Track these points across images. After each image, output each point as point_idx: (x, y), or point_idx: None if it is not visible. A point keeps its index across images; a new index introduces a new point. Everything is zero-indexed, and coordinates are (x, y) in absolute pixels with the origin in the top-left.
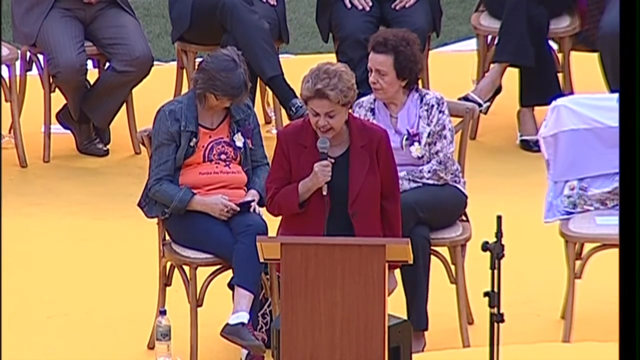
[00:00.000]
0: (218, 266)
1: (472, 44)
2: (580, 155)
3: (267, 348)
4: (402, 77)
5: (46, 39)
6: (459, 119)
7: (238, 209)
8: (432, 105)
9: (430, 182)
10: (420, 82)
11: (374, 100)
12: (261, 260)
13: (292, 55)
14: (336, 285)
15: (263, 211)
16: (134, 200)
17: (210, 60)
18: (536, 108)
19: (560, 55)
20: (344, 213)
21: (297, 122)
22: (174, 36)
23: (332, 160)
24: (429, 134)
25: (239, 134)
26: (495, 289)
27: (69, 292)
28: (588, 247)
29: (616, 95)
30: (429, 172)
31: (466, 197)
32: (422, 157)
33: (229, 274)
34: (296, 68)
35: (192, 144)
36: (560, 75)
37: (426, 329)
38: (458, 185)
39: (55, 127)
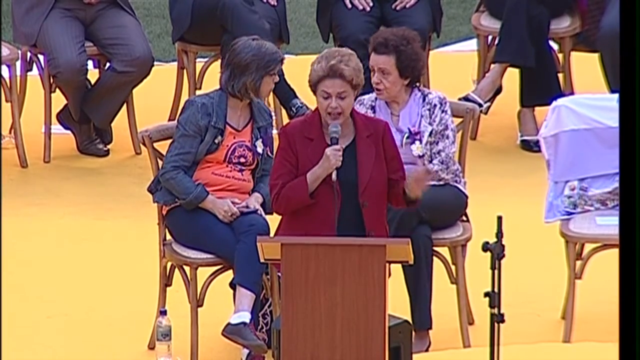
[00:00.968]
0: (218, 266)
1: (472, 44)
2: (580, 156)
3: (268, 348)
4: (404, 75)
5: (46, 39)
6: (460, 119)
7: (239, 213)
8: (435, 105)
9: (431, 182)
10: (420, 82)
11: (375, 98)
12: (262, 260)
13: (293, 56)
14: (336, 286)
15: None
16: (134, 200)
17: (246, 51)
18: (537, 108)
19: (560, 56)
20: (354, 203)
21: (299, 118)
22: (175, 36)
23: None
24: (431, 133)
25: (261, 140)
26: (496, 289)
27: (69, 292)
28: (588, 247)
29: (616, 96)
30: (437, 172)
31: (467, 197)
32: (423, 156)
33: (229, 274)
34: (296, 68)
35: (216, 141)
36: (560, 75)
37: (430, 328)
38: (459, 186)
39: (56, 128)
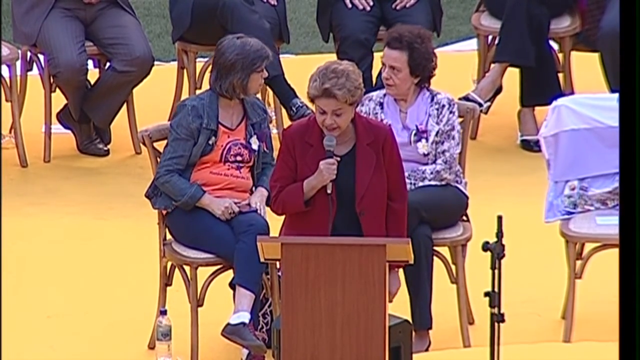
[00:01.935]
0: (219, 266)
1: (472, 44)
2: (580, 155)
3: (268, 348)
4: (415, 73)
5: (47, 39)
6: (460, 119)
7: (238, 210)
8: (444, 105)
9: (433, 182)
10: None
11: (384, 95)
12: (262, 260)
13: (293, 55)
14: (337, 285)
15: (266, 211)
16: (134, 200)
17: (231, 50)
18: (537, 108)
19: (560, 55)
20: (351, 212)
21: (302, 121)
22: (175, 36)
23: (338, 159)
24: (438, 132)
25: (255, 136)
26: (496, 289)
27: (69, 292)
28: (588, 247)
29: (616, 95)
30: (431, 173)
31: (467, 198)
32: (428, 154)
33: (229, 274)
34: (297, 68)
35: (210, 142)
36: (560, 75)
37: (430, 328)
38: (459, 186)
39: (56, 127)
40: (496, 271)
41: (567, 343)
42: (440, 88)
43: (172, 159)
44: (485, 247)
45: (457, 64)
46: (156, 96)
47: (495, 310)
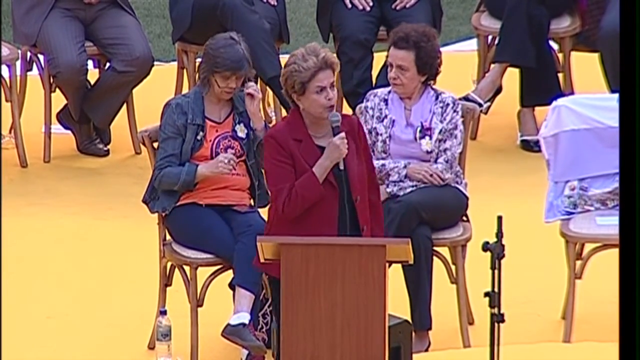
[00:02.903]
0: (218, 266)
1: (472, 44)
2: (580, 156)
3: (268, 348)
4: (422, 72)
5: (47, 39)
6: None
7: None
8: (448, 104)
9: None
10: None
11: (389, 91)
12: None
13: None
14: (336, 286)
15: (263, 212)
16: (134, 201)
17: (210, 43)
18: (537, 108)
19: (560, 56)
20: (348, 199)
21: (280, 124)
22: (175, 36)
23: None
24: (441, 130)
25: (242, 124)
26: (496, 289)
27: (69, 292)
28: (588, 247)
29: (617, 96)
30: (441, 171)
31: (467, 198)
32: (431, 152)
33: (229, 274)
34: None
35: (199, 137)
36: (560, 75)
37: (430, 329)
38: (459, 187)
39: (56, 127)
40: (496, 271)
41: (567, 343)
42: (441, 88)
43: (164, 158)
44: (485, 247)
45: (457, 64)
46: (156, 96)
47: (495, 311)
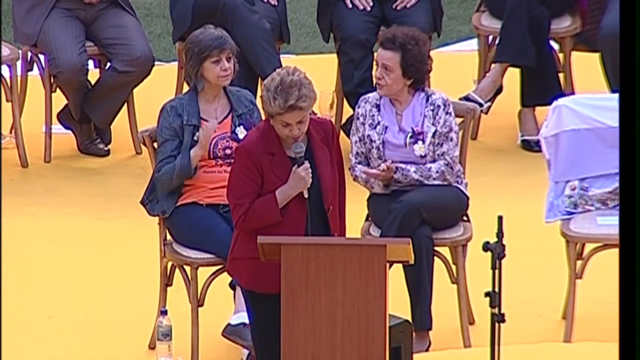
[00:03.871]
0: (219, 266)
1: (473, 44)
2: (581, 155)
3: None
4: (407, 75)
5: (47, 39)
6: (460, 119)
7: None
8: (439, 106)
9: (437, 182)
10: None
11: (380, 97)
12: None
13: (293, 55)
14: (337, 286)
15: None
16: (134, 200)
17: (186, 41)
18: (537, 108)
19: (561, 55)
20: (319, 209)
21: (254, 133)
22: (175, 36)
23: (308, 164)
24: (435, 134)
25: (241, 127)
26: (496, 289)
27: (69, 292)
28: (589, 247)
29: (617, 95)
30: (436, 172)
31: (468, 198)
32: (425, 156)
33: None
34: None
35: (195, 138)
36: (561, 75)
37: (430, 328)
38: (460, 187)
39: (56, 127)
40: (496, 271)
41: (567, 343)
42: (441, 88)
43: (162, 160)
44: (486, 247)
45: (457, 64)
46: (156, 96)
47: (496, 311)
